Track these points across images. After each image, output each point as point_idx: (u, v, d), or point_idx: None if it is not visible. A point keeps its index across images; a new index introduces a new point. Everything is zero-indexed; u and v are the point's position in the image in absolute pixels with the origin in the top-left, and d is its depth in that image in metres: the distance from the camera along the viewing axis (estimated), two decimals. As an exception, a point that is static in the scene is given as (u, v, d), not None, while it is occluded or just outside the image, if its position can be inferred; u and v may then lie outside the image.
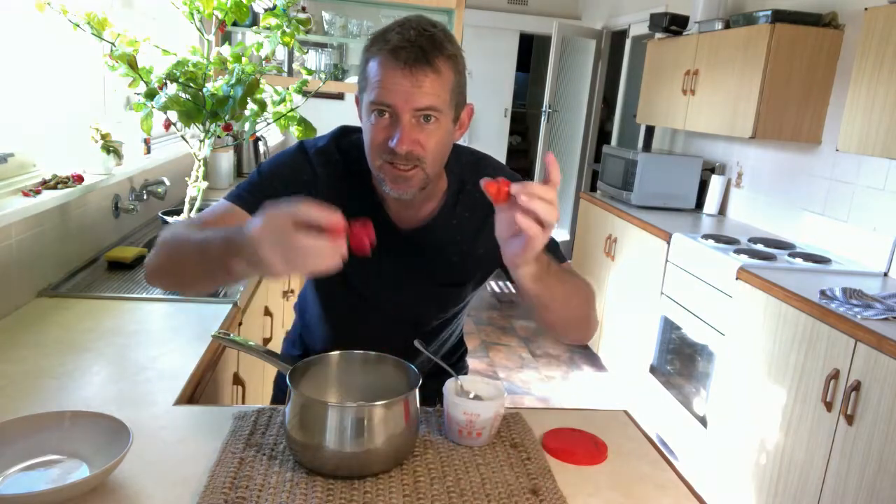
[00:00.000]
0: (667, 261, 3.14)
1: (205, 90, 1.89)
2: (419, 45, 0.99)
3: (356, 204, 1.14)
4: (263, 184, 1.14)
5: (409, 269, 1.19)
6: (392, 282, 1.20)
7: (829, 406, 2.06)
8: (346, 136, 1.18)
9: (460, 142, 1.18)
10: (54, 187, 1.74)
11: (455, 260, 1.19)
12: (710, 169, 3.80)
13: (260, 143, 3.82)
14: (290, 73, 3.42)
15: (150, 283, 1.14)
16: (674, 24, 3.80)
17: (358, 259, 1.16)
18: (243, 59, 2.02)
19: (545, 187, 0.88)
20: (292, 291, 2.65)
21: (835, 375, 2.03)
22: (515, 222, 0.87)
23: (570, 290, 1.10)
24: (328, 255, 0.84)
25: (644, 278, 3.36)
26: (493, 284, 5.33)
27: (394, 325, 1.23)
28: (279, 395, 1.43)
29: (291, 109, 2.19)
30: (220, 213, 1.13)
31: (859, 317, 1.99)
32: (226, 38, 3.21)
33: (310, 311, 1.35)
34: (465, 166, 1.19)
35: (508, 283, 1.28)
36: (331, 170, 1.15)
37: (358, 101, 1.09)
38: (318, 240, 0.83)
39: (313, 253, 0.83)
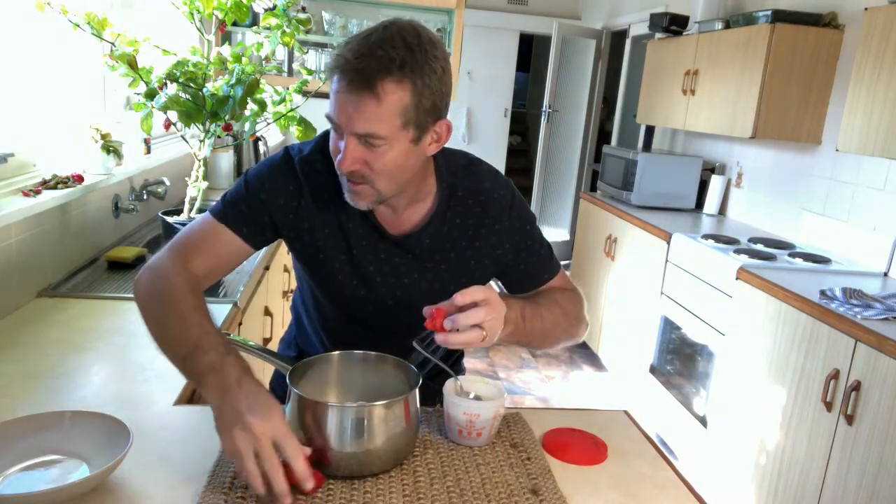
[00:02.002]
0: (667, 261, 3.14)
1: (205, 90, 1.89)
2: (364, 70, 0.94)
3: (343, 211, 1.13)
4: (249, 197, 1.13)
5: (398, 276, 1.17)
6: (382, 288, 1.18)
7: (829, 406, 2.06)
8: None
9: (463, 144, 1.17)
10: (54, 187, 1.74)
11: (444, 268, 1.17)
12: (710, 169, 3.80)
13: (260, 143, 3.82)
14: (290, 73, 3.42)
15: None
16: (674, 24, 3.80)
17: (349, 260, 1.15)
18: (243, 59, 2.02)
19: (470, 314, 0.94)
20: (292, 292, 2.66)
21: (835, 375, 2.03)
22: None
23: (551, 323, 1.11)
24: (279, 492, 0.83)
25: (644, 278, 3.36)
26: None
27: (386, 331, 1.20)
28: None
29: (291, 109, 2.19)
30: (205, 233, 1.13)
31: (859, 317, 1.99)
32: (226, 38, 3.21)
33: (303, 316, 1.34)
34: (457, 171, 1.17)
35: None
36: (316, 178, 1.13)
37: None
38: (278, 480, 0.82)
39: (266, 480, 0.83)
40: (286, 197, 1.13)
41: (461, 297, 0.94)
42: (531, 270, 1.22)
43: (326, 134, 1.18)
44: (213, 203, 1.18)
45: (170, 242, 1.14)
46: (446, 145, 1.14)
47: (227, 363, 0.90)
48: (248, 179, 1.15)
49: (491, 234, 1.17)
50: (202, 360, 0.91)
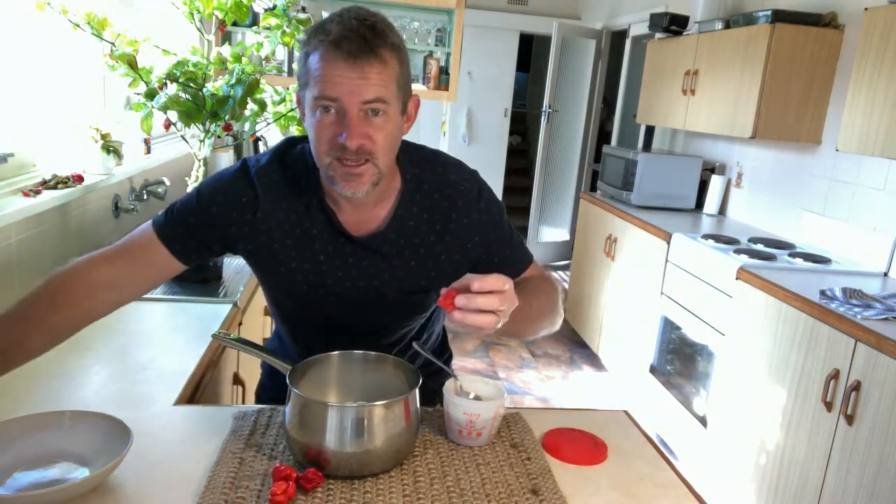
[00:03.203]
0: (667, 261, 3.14)
1: (205, 90, 1.89)
2: (361, 35, 0.96)
3: (305, 219, 1.11)
4: (200, 209, 1.11)
5: (368, 278, 1.14)
6: (351, 292, 1.15)
7: (829, 406, 2.06)
8: (291, 150, 1.14)
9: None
10: (54, 187, 1.74)
11: (413, 265, 1.14)
12: (710, 169, 3.80)
13: (260, 143, 3.82)
14: (290, 73, 3.42)
15: None
16: (674, 24, 3.80)
17: (315, 268, 1.14)
18: (243, 59, 2.02)
19: (486, 299, 0.90)
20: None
21: (835, 375, 2.03)
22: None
23: (537, 311, 1.10)
24: None
25: (644, 278, 3.36)
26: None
27: (359, 334, 1.18)
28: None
29: (291, 109, 2.19)
30: (142, 241, 1.11)
31: (859, 317, 1.99)
32: (226, 38, 3.21)
33: (278, 321, 1.31)
34: (420, 164, 1.15)
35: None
36: (273, 189, 1.11)
37: (299, 101, 1.06)
38: None
39: None
40: (240, 209, 1.10)
41: (479, 284, 0.90)
42: (505, 262, 1.19)
43: (287, 143, 1.16)
44: (159, 213, 1.14)
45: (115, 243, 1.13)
46: (413, 141, 1.14)
47: None
48: (200, 190, 1.12)
49: (459, 227, 1.15)
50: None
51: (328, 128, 0.99)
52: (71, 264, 1.09)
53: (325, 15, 3.46)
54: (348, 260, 1.13)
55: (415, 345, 1.12)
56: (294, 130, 2.20)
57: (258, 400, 1.42)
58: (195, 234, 1.11)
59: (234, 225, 1.11)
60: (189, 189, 2.05)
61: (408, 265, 1.15)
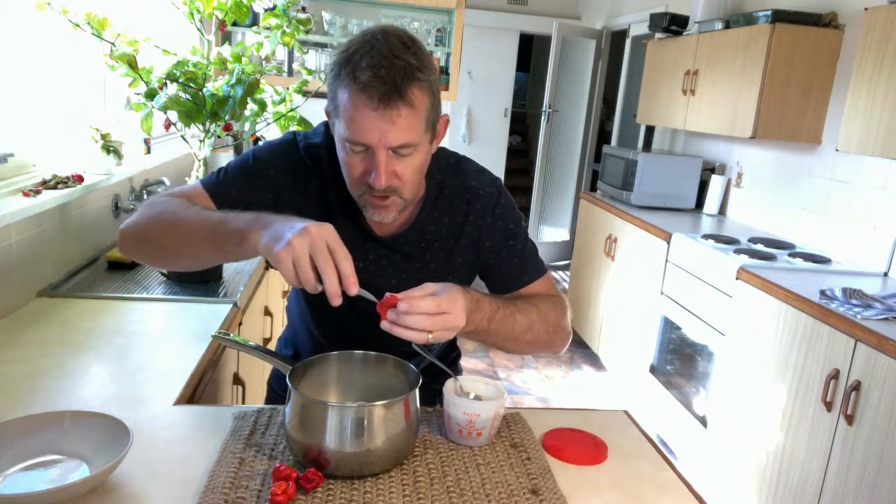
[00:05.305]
0: (667, 261, 3.14)
1: (205, 90, 1.89)
2: (392, 81, 0.94)
3: (335, 205, 1.14)
4: (258, 171, 1.13)
5: (387, 276, 1.17)
6: (369, 288, 1.18)
7: (829, 406, 2.06)
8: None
9: (463, 144, 1.17)
10: (54, 187, 1.74)
11: (433, 267, 1.18)
12: (710, 169, 3.80)
13: (260, 143, 3.81)
14: (290, 73, 3.42)
15: (125, 248, 1.11)
16: (674, 24, 3.80)
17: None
18: (243, 59, 2.03)
19: (415, 318, 0.93)
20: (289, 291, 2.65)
21: (835, 375, 2.03)
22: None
23: (523, 327, 1.10)
24: (332, 292, 0.89)
25: (644, 278, 3.36)
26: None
27: (374, 330, 1.21)
28: (272, 396, 1.42)
29: (291, 109, 2.19)
30: (194, 194, 1.13)
31: (859, 317, 1.99)
32: (226, 38, 3.21)
33: (296, 314, 1.34)
34: (445, 169, 1.17)
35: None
36: (320, 165, 1.14)
37: (329, 116, 1.07)
38: (332, 278, 0.88)
39: (324, 280, 0.88)
40: (296, 178, 1.13)
41: (407, 306, 0.93)
42: (511, 271, 1.21)
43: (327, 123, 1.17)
44: (208, 175, 1.17)
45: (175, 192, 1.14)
46: (442, 145, 1.15)
47: (265, 214, 0.95)
48: (256, 154, 1.15)
49: (474, 229, 1.18)
50: (239, 219, 0.95)
51: (358, 165, 1.02)
52: (160, 198, 1.10)
53: (326, 15, 3.45)
54: (368, 256, 1.16)
55: (415, 345, 1.12)
56: (294, 130, 2.20)
57: (270, 389, 1.45)
58: (244, 197, 1.12)
59: (286, 191, 1.13)
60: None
61: (427, 267, 1.18)
